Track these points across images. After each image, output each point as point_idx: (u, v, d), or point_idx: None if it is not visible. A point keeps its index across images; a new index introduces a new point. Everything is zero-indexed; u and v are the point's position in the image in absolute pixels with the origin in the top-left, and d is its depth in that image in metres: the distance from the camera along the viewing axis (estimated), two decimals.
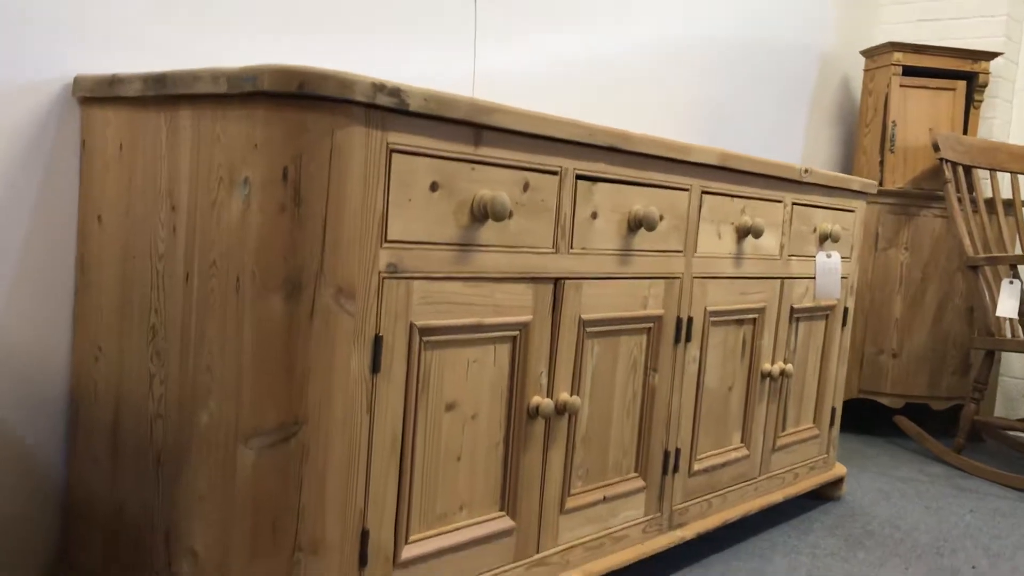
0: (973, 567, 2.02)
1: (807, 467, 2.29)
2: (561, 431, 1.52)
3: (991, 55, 3.29)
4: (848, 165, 3.73)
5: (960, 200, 3.04)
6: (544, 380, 1.47)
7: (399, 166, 1.19)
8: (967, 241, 2.95)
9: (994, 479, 2.78)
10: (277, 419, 1.14)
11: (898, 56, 3.27)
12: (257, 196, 1.13)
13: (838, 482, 2.44)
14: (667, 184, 1.66)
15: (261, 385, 1.15)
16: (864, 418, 3.51)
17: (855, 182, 2.28)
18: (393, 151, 1.17)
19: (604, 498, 1.63)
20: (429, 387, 1.29)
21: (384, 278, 1.19)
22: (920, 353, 3.21)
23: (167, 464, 1.27)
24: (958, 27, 3.58)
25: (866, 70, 3.44)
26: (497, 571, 1.43)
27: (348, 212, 1.13)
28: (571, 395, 1.51)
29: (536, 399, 1.45)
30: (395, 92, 1.14)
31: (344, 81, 1.09)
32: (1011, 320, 2.96)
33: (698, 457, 1.88)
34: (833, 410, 2.37)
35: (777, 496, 2.15)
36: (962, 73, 3.31)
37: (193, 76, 1.19)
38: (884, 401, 3.22)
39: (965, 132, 3.33)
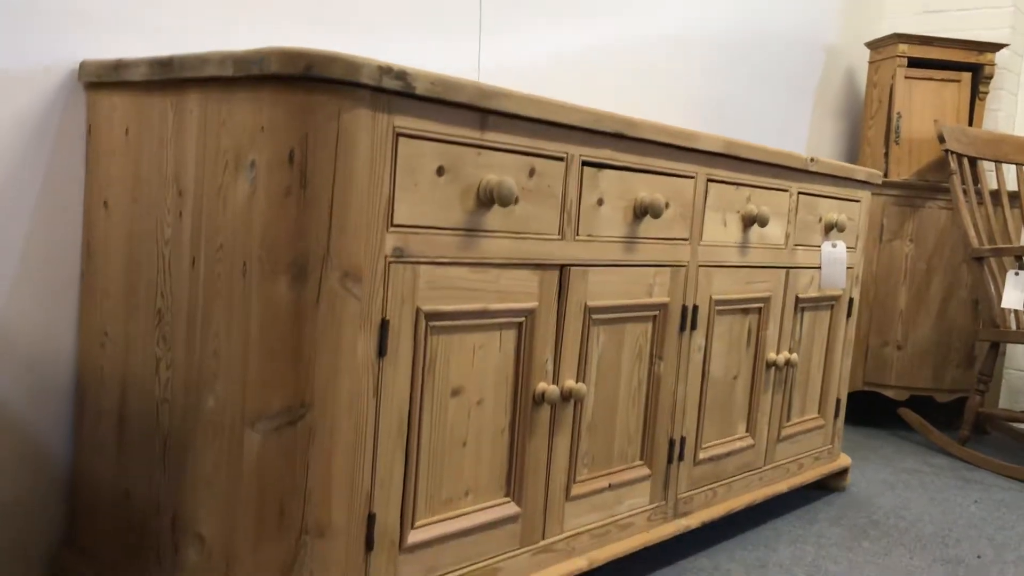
0: (978, 556, 2.02)
1: (812, 457, 2.29)
2: (566, 418, 1.52)
3: (997, 47, 3.28)
4: (853, 158, 3.72)
5: (965, 192, 3.04)
6: (550, 367, 1.47)
7: (405, 150, 1.18)
8: (972, 233, 2.95)
9: (999, 471, 2.78)
10: (283, 402, 1.14)
11: (903, 48, 3.26)
12: (263, 179, 1.13)
13: (843, 473, 2.44)
14: (673, 172, 1.65)
15: (267, 369, 1.15)
16: (868, 410, 3.51)
17: (860, 172, 2.27)
18: (399, 135, 1.17)
19: (609, 485, 1.63)
20: (435, 372, 1.29)
21: (390, 262, 1.19)
22: (925, 345, 3.20)
23: (173, 448, 1.27)
24: (963, 18, 3.57)
25: (871, 62, 3.43)
26: (503, 557, 1.43)
27: (354, 195, 1.13)
28: (576, 382, 1.51)
29: (542, 386, 1.45)
30: (401, 75, 1.14)
31: (351, 63, 1.09)
32: (1016, 312, 2.96)
33: (703, 446, 1.88)
34: (838, 401, 2.37)
35: (782, 486, 2.15)
36: (967, 65, 3.30)
37: (200, 59, 1.19)
38: (888, 393, 3.22)
39: (970, 124, 3.32)
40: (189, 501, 1.25)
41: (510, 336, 1.40)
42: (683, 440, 1.81)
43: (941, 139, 3.03)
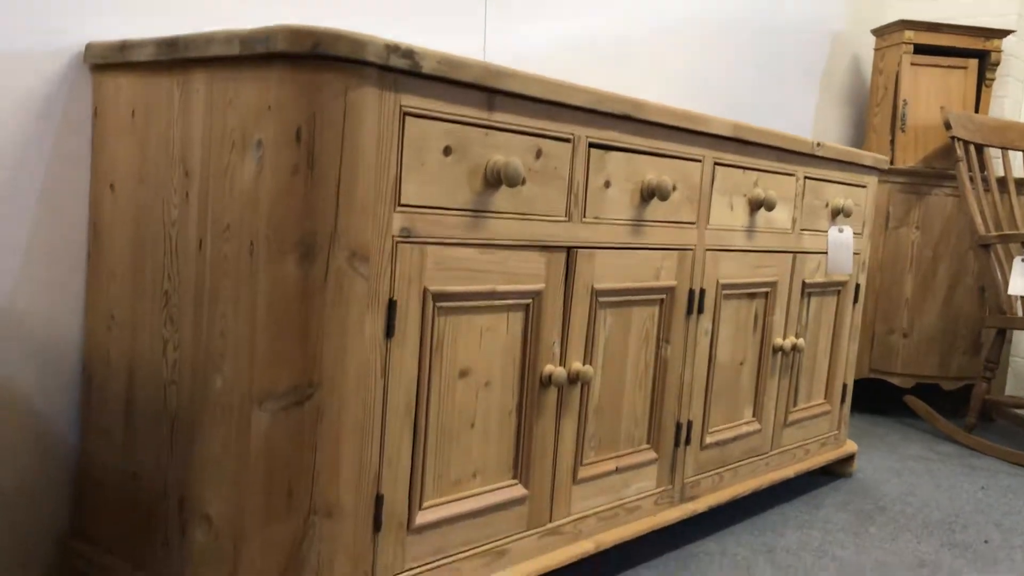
0: (985, 541, 2.02)
1: (818, 443, 2.29)
2: (573, 400, 1.51)
3: (1003, 33, 3.27)
4: (858, 145, 3.71)
5: (972, 179, 3.03)
6: (557, 349, 1.46)
7: (412, 129, 1.18)
8: (979, 220, 2.94)
9: (1005, 458, 2.77)
10: (291, 382, 1.14)
11: (909, 34, 3.24)
12: (270, 158, 1.13)
13: (849, 459, 2.44)
14: (680, 155, 1.65)
15: (275, 348, 1.15)
16: (874, 398, 3.50)
17: (867, 157, 2.26)
18: (406, 114, 1.17)
19: (616, 469, 1.63)
20: (443, 353, 1.29)
21: (398, 242, 1.19)
22: (931, 333, 3.19)
23: (181, 430, 1.27)
24: (970, 5, 3.55)
25: (876, 49, 3.42)
26: (511, 539, 1.43)
27: (362, 174, 1.13)
28: (583, 365, 1.50)
29: (549, 368, 1.45)
30: (408, 54, 1.13)
31: (357, 41, 1.08)
32: (1023, 298, 2.94)
33: (710, 430, 1.87)
34: (844, 386, 2.37)
35: (788, 471, 2.15)
36: (974, 51, 3.29)
37: (206, 39, 1.18)
38: (894, 381, 3.21)
39: (976, 111, 3.31)
40: (197, 482, 1.25)
41: (517, 318, 1.39)
42: (690, 424, 1.80)
43: (947, 126, 3.02)
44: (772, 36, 3.10)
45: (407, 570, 1.27)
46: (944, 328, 3.19)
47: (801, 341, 2.08)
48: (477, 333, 1.33)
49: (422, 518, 1.29)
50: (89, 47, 1.38)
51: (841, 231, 2.19)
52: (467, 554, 1.36)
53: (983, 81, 3.31)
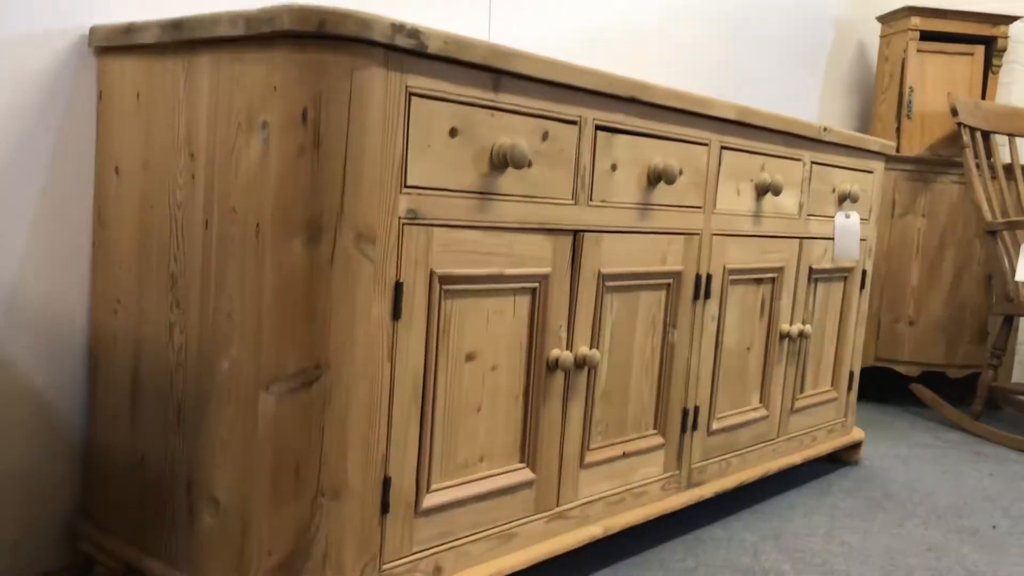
0: (993, 527, 2.01)
1: (825, 430, 2.28)
2: (580, 385, 1.51)
3: (1010, 19, 3.25)
4: (865, 132, 3.69)
5: (978, 165, 3.01)
6: (563, 333, 1.46)
7: (418, 110, 1.17)
8: (985, 207, 2.92)
9: (1012, 445, 2.77)
10: (298, 364, 1.14)
11: (915, 21, 3.23)
12: (276, 139, 1.12)
13: (856, 446, 2.43)
14: (686, 138, 1.64)
15: (282, 330, 1.14)
16: (881, 387, 3.50)
17: (873, 142, 2.25)
18: (412, 94, 1.16)
19: (623, 454, 1.63)
20: (450, 336, 1.28)
21: (404, 224, 1.18)
22: (937, 321, 3.18)
23: (188, 413, 1.27)
24: None
25: (882, 36, 3.40)
26: (518, 523, 1.43)
27: (368, 155, 1.12)
28: (590, 349, 1.50)
29: (555, 352, 1.44)
30: (414, 33, 1.13)
31: (363, 20, 1.07)
32: None
33: (717, 416, 1.87)
34: (851, 373, 2.36)
35: (796, 458, 2.14)
36: (980, 38, 3.27)
37: (211, 20, 1.18)
38: (901, 369, 3.20)
39: (983, 97, 3.29)
40: (204, 465, 1.24)
41: (524, 302, 1.39)
42: (696, 410, 1.80)
43: (954, 112, 3.00)
44: (778, 23, 3.09)
45: (414, 552, 1.27)
46: (950, 316, 3.18)
47: (808, 327, 2.07)
48: (484, 316, 1.33)
49: (429, 501, 1.28)
50: (93, 30, 1.38)
51: (848, 217, 2.18)
52: (474, 537, 1.36)
53: (990, 67, 3.29)
